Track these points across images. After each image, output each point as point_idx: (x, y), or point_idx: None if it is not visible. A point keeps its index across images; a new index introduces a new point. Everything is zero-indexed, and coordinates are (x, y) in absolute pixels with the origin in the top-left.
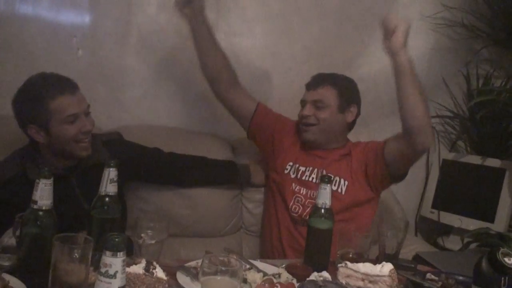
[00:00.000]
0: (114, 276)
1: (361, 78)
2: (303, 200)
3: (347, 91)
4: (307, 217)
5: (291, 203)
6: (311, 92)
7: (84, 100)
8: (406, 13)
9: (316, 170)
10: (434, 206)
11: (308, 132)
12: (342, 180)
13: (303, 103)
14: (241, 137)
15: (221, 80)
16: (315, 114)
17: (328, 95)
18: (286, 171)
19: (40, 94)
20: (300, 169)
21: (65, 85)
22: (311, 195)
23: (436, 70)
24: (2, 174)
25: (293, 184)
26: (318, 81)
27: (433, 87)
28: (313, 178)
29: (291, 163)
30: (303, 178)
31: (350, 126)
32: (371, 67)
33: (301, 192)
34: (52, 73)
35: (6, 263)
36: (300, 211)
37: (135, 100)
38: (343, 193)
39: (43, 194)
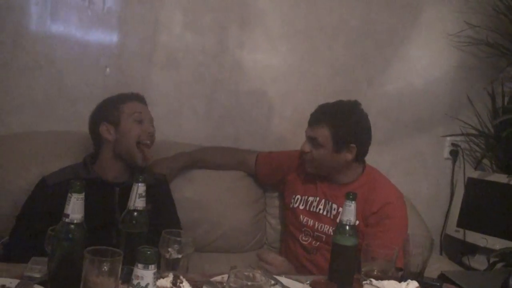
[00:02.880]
0: None
1: (385, 96)
2: (311, 232)
3: (344, 132)
4: (317, 244)
5: (301, 235)
6: (309, 129)
7: (149, 113)
8: (429, 31)
9: (323, 201)
10: (459, 224)
11: (308, 167)
12: None
13: (305, 135)
14: None
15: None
16: (312, 151)
17: (322, 135)
18: (293, 205)
19: (114, 99)
20: (309, 200)
21: (136, 95)
22: (319, 227)
23: (461, 88)
24: (61, 175)
25: (301, 216)
26: (316, 117)
27: (458, 105)
28: (320, 209)
29: (298, 196)
30: (311, 209)
31: (357, 159)
32: (394, 85)
33: (309, 224)
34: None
35: (37, 275)
36: (309, 240)
37: (161, 117)
38: None
39: (74, 207)
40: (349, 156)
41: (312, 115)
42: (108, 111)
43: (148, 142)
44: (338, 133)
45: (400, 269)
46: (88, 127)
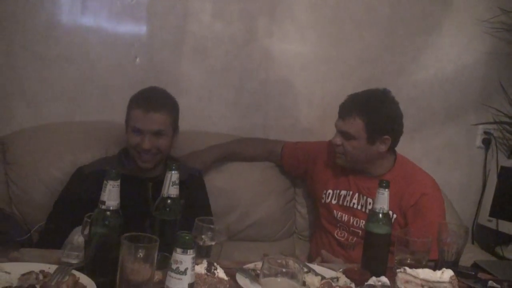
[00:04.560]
0: (184, 272)
1: (415, 84)
2: (347, 227)
3: (378, 122)
4: (354, 240)
5: (336, 230)
6: (340, 121)
7: (156, 123)
8: (461, 17)
9: (357, 194)
10: (492, 214)
11: (339, 159)
12: None
13: (336, 128)
14: None
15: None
16: (344, 144)
17: (355, 127)
18: (325, 200)
19: (133, 100)
20: (341, 194)
21: (145, 102)
22: (354, 222)
23: (493, 75)
24: (96, 165)
25: (335, 211)
26: (346, 109)
27: (491, 93)
28: (354, 203)
29: (330, 191)
30: (345, 203)
31: (390, 150)
32: (425, 73)
33: (343, 219)
34: (157, 89)
35: (75, 261)
36: (346, 235)
37: (190, 106)
38: None
39: (110, 195)
40: (383, 147)
41: (342, 106)
42: (127, 111)
43: (146, 156)
44: (372, 124)
45: (433, 261)
46: None
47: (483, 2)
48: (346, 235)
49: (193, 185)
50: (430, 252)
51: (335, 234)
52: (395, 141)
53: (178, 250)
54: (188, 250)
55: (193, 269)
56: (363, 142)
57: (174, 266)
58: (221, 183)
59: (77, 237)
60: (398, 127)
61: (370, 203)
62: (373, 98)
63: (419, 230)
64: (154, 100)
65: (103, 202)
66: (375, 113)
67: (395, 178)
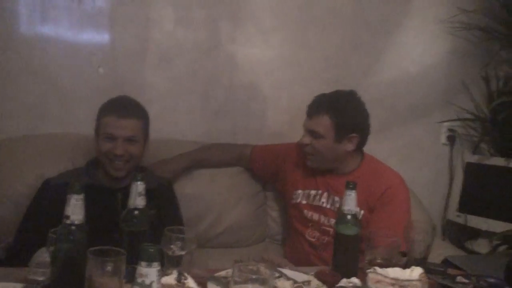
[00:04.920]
0: (150, 286)
1: (380, 84)
2: (318, 226)
3: (345, 120)
4: (325, 240)
5: (308, 231)
6: (308, 120)
7: (130, 129)
8: (422, 17)
9: (326, 194)
10: (460, 209)
11: (308, 160)
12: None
13: (304, 128)
14: None
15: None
16: (312, 143)
17: (323, 125)
18: (295, 201)
19: (102, 108)
20: (311, 194)
21: (117, 108)
22: (325, 221)
23: (455, 73)
24: (63, 178)
25: (305, 211)
26: (314, 108)
27: (454, 91)
28: (323, 202)
29: (300, 191)
30: (314, 203)
31: (358, 149)
32: (389, 73)
33: (314, 218)
34: (127, 97)
35: (41, 278)
36: (317, 235)
37: (156, 115)
38: None
39: (75, 209)
40: (350, 146)
41: (310, 106)
42: (96, 121)
43: (118, 162)
44: (339, 122)
45: (404, 254)
46: None
47: (442, 2)
48: (317, 235)
49: (162, 194)
50: (398, 250)
51: (306, 235)
52: (362, 140)
53: (143, 263)
54: (153, 263)
55: (159, 282)
56: (331, 141)
57: (139, 280)
58: (191, 190)
59: (44, 255)
60: (365, 126)
61: (337, 201)
62: (340, 97)
63: (382, 220)
64: (126, 107)
65: (68, 217)
66: (342, 112)
67: (362, 175)
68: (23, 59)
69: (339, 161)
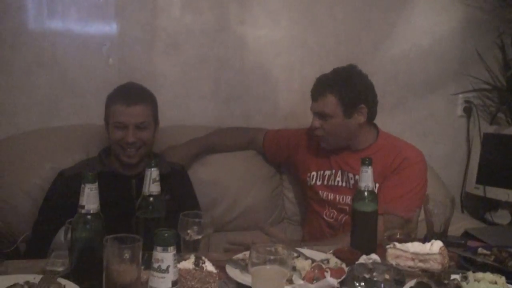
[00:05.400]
0: (167, 270)
1: (392, 60)
2: (334, 205)
3: (349, 94)
4: (343, 220)
5: (325, 210)
6: (314, 104)
7: (139, 115)
8: None
9: (340, 172)
10: (478, 181)
11: (322, 143)
12: None
13: (312, 112)
14: None
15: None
16: (322, 125)
17: (329, 104)
18: (310, 183)
19: (111, 96)
20: (325, 174)
21: (126, 96)
22: (341, 199)
23: (469, 43)
24: (77, 168)
25: (320, 192)
26: (318, 90)
27: (468, 61)
28: (338, 181)
29: (314, 173)
30: (330, 183)
31: (369, 121)
32: (401, 47)
33: (329, 198)
34: (133, 83)
35: (60, 268)
36: (335, 215)
37: (167, 102)
38: None
39: (89, 198)
40: (361, 118)
41: (313, 89)
42: (105, 109)
43: (130, 149)
44: (344, 97)
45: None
46: None
47: None
48: (335, 214)
49: (177, 179)
50: (417, 224)
51: (324, 215)
52: (371, 111)
53: (158, 248)
54: (169, 248)
55: (175, 266)
56: (340, 118)
57: (155, 265)
58: (205, 175)
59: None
60: (371, 96)
61: (352, 178)
62: (340, 74)
63: (390, 187)
64: (134, 94)
65: (83, 206)
66: (345, 87)
67: (379, 149)
68: (33, 54)
69: (353, 136)
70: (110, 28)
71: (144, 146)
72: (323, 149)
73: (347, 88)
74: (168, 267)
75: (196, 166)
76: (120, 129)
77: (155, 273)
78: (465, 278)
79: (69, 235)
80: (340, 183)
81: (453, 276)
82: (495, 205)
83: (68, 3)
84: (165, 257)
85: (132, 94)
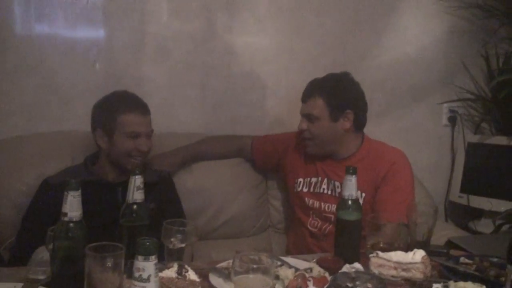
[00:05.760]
0: (148, 279)
1: (379, 67)
2: (319, 214)
3: (337, 97)
4: (326, 230)
5: (309, 219)
6: (303, 105)
7: (149, 125)
8: None
9: (326, 180)
10: (462, 190)
11: (307, 147)
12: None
13: (300, 114)
14: None
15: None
16: (309, 127)
17: (317, 106)
18: (297, 189)
19: (113, 106)
20: (312, 181)
21: (138, 105)
22: (326, 207)
23: (454, 53)
24: (62, 176)
25: (306, 199)
26: (307, 92)
27: (453, 71)
28: (324, 189)
29: (301, 179)
30: (316, 190)
31: (355, 128)
32: (388, 56)
33: (315, 205)
34: (134, 94)
35: (42, 277)
36: (319, 225)
37: (154, 108)
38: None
39: (72, 206)
40: (347, 124)
41: (304, 91)
42: (104, 119)
43: (139, 158)
44: (332, 100)
45: (406, 225)
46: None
47: None
48: (319, 223)
49: (162, 188)
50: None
51: (308, 225)
52: (358, 118)
53: (139, 257)
54: (150, 257)
55: (156, 275)
56: (327, 121)
57: (136, 274)
58: (191, 183)
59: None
60: (360, 103)
61: (338, 186)
62: (332, 78)
63: (387, 194)
64: (141, 103)
65: (65, 214)
66: (334, 90)
67: (363, 157)
68: (20, 58)
69: (338, 142)
70: (97, 33)
71: (148, 154)
72: (310, 155)
73: (335, 92)
74: (149, 276)
75: (181, 173)
76: (132, 139)
77: (136, 283)
78: (446, 287)
79: (51, 243)
80: (325, 191)
81: (434, 286)
82: (478, 214)
83: (56, 7)
84: (146, 266)
85: (141, 103)
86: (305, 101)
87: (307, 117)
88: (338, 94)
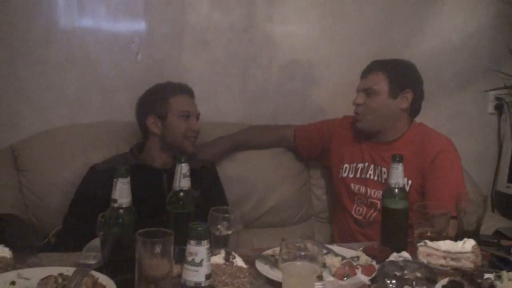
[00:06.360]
0: (200, 264)
1: (422, 56)
2: (364, 200)
3: (399, 75)
4: (371, 217)
5: (354, 206)
6: (362, 81)
7: (197, 107)
8: None
9: (372, 166)
10: (510, 180)
11: (359, 122)
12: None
13: (357, 90)
14: None
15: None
16: (366, 102)
17: (378, 81)
18: (342, 175)
19: (163, 90)
20: (358, 167)
21: (185, 88)
22: (372, 193)
23: (500, 39)
24: (110, 162)
25: (352, 185)
26: (369, 68)
27: (499, 58)
28: (370, 174)
29: (346, 165)
30: (362, 176)
31: (409, 112)
32: (431, 43)
33: (361, 191)
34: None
35: (93, 262)
36: (364, 212)
37: (196, 98)
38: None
39: (122, 192)
40: (405, 103)
41: (364, 69)
42: (156, 104)
43: (193, 138)
44: (393, 76)
45: (454, 217)
46: (135, 116)
47: None
48: (364, 210)
49: (206, 175)
50: (449, 224)
51: (353, 212)
52: (415, 102)
53: (192, 242)
54: (202, 241)
55: (208, 260)
56: (385, 96)
57: (189, 258)
58: (234, 172)
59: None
60: (419, 87)
61: (385, 172)
62: (395, 59)
63: (436, 187)
64: (188, 87)
65: (115, 201)
66: (396, 67)
67: (410, 141)
68: (64, 51)
69: (390, 121)
70: (138, 25)
71: (198, 135)
72: (356, 141)
73: (398, 69)
74: (201, 260)
75: (224, 162)
76: (185, 119)
77: (189, 266)
78: (499, 277)
79: (101, 230)
80: (372, 177)
81: (486, 275)
82: None
83: (98, 0)
84: (199, 250)
85: (187, 87)
86: (365, 76)
87: (366, 91)
88: (401, 72)
